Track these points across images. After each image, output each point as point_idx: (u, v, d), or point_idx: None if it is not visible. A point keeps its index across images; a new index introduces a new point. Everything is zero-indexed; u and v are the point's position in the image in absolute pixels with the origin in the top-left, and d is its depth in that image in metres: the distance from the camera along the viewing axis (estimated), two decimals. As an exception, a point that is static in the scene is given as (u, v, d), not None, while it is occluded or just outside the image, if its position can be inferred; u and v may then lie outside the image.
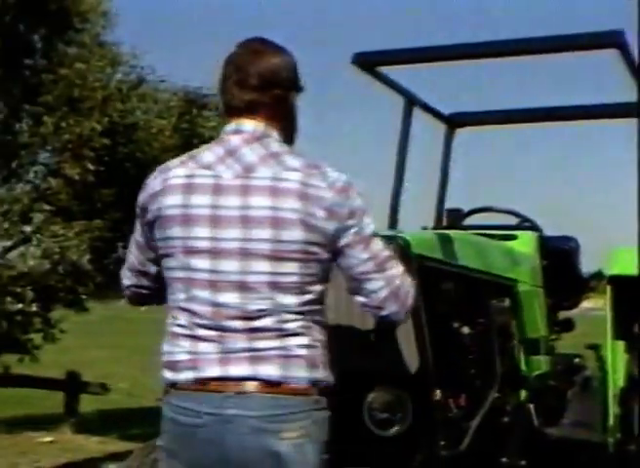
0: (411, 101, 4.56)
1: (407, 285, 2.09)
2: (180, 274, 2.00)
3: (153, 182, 2.06)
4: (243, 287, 1.95)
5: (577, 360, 4.58)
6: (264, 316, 1.95)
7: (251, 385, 1.94)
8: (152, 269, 2.14)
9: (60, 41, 8.54)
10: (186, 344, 1.98)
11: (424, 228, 4.29)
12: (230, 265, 1.95)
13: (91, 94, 8.40)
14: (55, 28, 8.29)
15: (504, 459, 3.37)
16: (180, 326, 2.00)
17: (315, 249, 1.97)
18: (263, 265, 1.94)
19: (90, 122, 8.26)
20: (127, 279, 2.22)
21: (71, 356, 6.54)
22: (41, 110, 8.33)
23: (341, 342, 2.92)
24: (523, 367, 3.72)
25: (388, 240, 2.81)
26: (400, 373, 2.81)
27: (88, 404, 9.37)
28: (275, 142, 2.04)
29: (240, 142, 2.02)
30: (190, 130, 9.55)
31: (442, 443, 2.92)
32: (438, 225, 4.88)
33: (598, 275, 4.67)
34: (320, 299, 2.04)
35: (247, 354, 1.95)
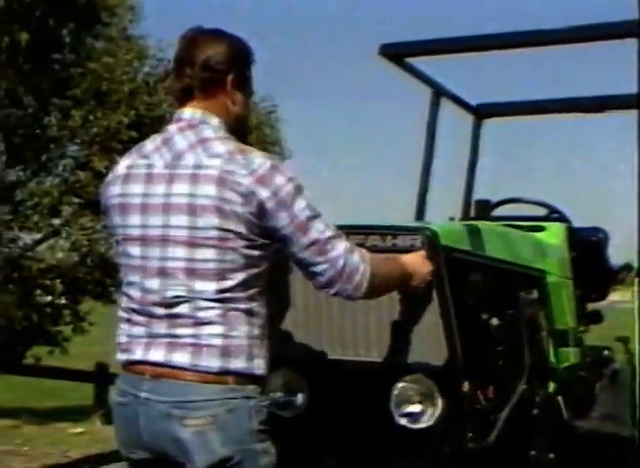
0: (438, 92, 4.54)
1: (353, 262, 2.07)
2: (122, 260, 2.11)
3: (107, 177, 2.18)
4: (162, 273, 2.01)
5: (605, 352, 4.55)
6: (181, 302, 1.99)
7: (164, 371, 2.00)
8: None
9: (88, 35, 8.60)
10: (125, 327, 2.10)
11: (452, 219, 4.27)
12: (154, 251, 2.02)
13: (118, 87, 8.46)
14: (83, 23, 8.36)
15: (533, 452, 3.35)
16: (122, 309, 2.12)
17: (232, 235, 1.97)
18: (181, 251, 1.99)
19: (117, 115, 8.32)
20: None
21: (100, 348, 6.58)
22: (69, 104, 8.40)
23: (369, 334, 2.93)
24: (551, 358, 3.70)
25: (416, 231, 2.81)
26: (428, 365, 2.80)
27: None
28: (209, 129, 2.07)
29: (175, 130, 2.08)
30: (217, 122, 9.58)
31: (470, 435, 2.91)
32: (466, 216, 4.86)
33: (627, 267, 4.62)
34: (244, 287, 2.02)
35: (166, 340, 2.01)
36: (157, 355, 2.02)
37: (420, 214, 4.56)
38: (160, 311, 2.02)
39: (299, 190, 2.04)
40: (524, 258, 3.51)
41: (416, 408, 2.82)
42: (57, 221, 9.08)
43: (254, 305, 2.06)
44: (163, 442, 2.01)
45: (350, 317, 2.99)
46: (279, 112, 10.26)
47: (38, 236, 9.35)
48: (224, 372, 1.99)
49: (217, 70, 2.09)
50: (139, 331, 2.06)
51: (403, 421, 2.84)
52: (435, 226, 2.85)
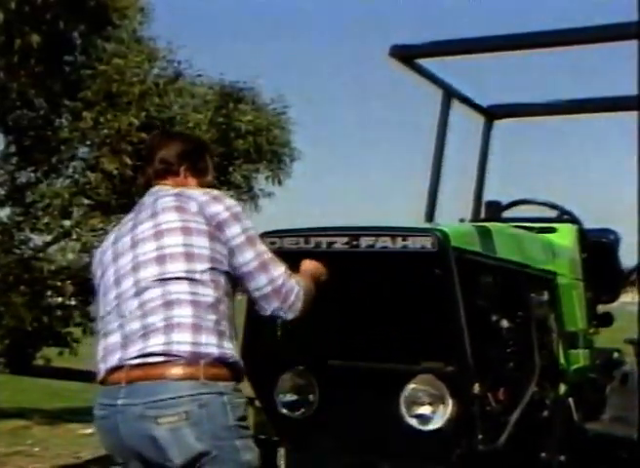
0: (449, 93, 4.53)
1: (290, 284, 2.33)
2: (100, 304, 2.38)
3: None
4: (134, 269, 2.25)
5: (616, 354, 4.53)
6: (154, 294, 2.19)
7: (138, 373, 2.12)
8: None
9: (98, 37, 8.61)
10: (101, 344, 2.27)
11: (462, 221, 4.26)
12: (126, 267, 2.30)
13: (128, 89, 8.47)
14: (94, 25, 8.37)
15: (543, 454, 3.35)
16: (100, 333, 2.31)
17: (193, 225, 2.26)
18: (149, 247, 2.26)
19: (128, 117, 8.33)
20: None
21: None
22: (80, 106, 8.41)
23: (380, 336, 2.93)
24: (562, 361, 3.68)
25: (426, 232, 2.81)
26: (439, 367, 2.80)
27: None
28: (166, 189, 2.44)
29: (154, 198, 2.42)
30: (227, 124, 9.59)
31: (480, 437, 2.91)
32: (476, 218, 4.85)
33: (638, 269, 4.60)
34: (210, 276, 2.24)
35: (140, 332, 2.15)
36: (133, 349, 2.15)
37: (431, 215, 4.56)
38: (133, 304, 2.21)
39: (243, 211, 2.43)
40: (535, 260, 3.50)
41: (426, 409, 2.82)
42: (67, 223, 9.10)
43: (219, 294, 2.24)
44: (142, 444, 2.09)
45: (361, 319, 2.99)
46: (289, 113, 10.26)
47: (49, 237, 9.37)
48: (196, 355, 2.09)
49: (169, 163, 2.50)
50: (113, 339, 2.22)
51: (413, 422, 2.84)
52: (446, 228, 2.85)
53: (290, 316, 2.35)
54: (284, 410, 3.12)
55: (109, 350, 2.21)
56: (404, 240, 2.79)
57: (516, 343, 3.13)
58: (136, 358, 2.14)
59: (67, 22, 7.95)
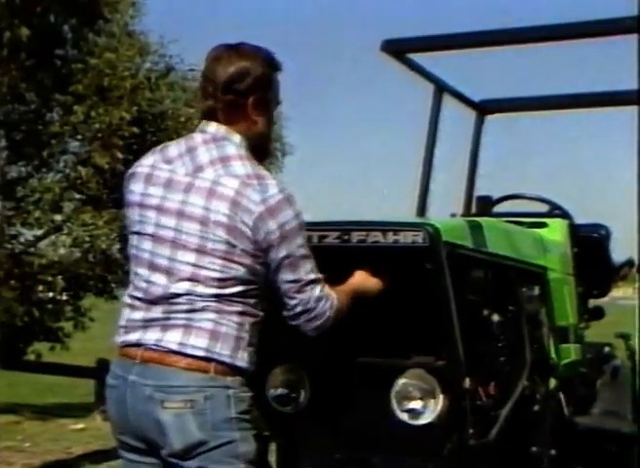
0: (440, 88, 4.54)
1: (320, 307, 2.27)
2: (133, 252, 2.27)
3: (130, 169, 2.32)
4: (169, 272, 2.17)
5: (606, 349, 4.54)
6: (180, 298, 2.15)
7: (153, 355, 2.14)
8: None
9: (89, 31, 8.59)
10: (127, 312, 2.25)
11: (453, 215, 4.27)
12: (164, 250, 2.18)
13: (120, 83, 8.46)
14: (84, 19, 8.35)
15: (534, 448, 3.35)
16: (128, 295, 2.27)
17: (238, 252, 2.14)
18: (189, 256, 2.15)
19: (119, 111, 8.31)
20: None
21: (101, 344, 6.56)
22: (71, 100, 8.39)
23: (371, 331, 2.93)
24: (553, 355, 3.69)
25: (418, 227, 2.81)
26: (429, 362, 2.80)
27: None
28: (232, 146, 2.22)
29: (200, 142, 2.23)
30: (218, 118, 9.57)
31: (471, 431, 2.91)
32: (467, 213, 4.86)
33: (629, 263, 4.62)
34: (241, 295, 2.18)
35: (160, 323, 2.16)
36: (152, 336, 2.16)
37: (422, 210, 4.56)
38: (161, 301, 2.17)
39: (301, 227, 2.22)
40: (525, 255, 3.51)
41: (417, 404, 2.82)
42: (58, 217, 9.08)
43: (248, 308, 2.21)
44: (146, 423, 2.13)
45: (352, 313, 2.99)
46: (281, 108, 10.25)
47: (40, 232, 9.34)
48: (208, 358, 2.12)
49: (238, 93, 2.20)
50: (137, 315, 2.21)
51: (404, 417, 2.84)
52: (437, 222, 2.85)
53: (313, 333, 2.34)
54: (275, 405, 3.11)
55: (131, 326, 2.22)
56: (395, 234, 2.78)
57: (507, 338, 3.13)
58: (153, 344, 2.16)
59: (58, 16, 7.93)
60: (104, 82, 8.39)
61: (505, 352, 3.14)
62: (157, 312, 2.17)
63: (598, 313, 4.51)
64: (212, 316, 2.14)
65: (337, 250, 2.90)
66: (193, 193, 2.16)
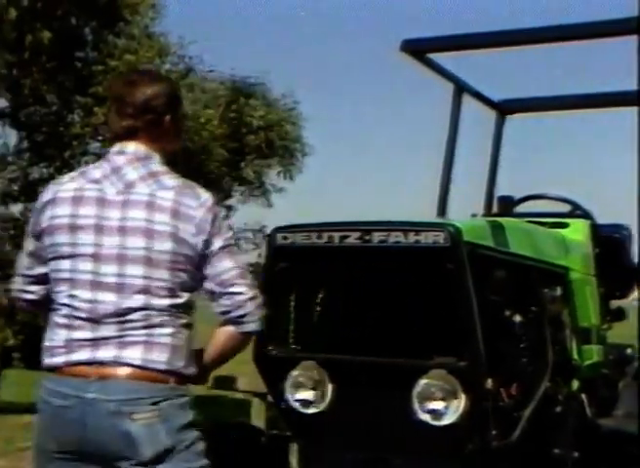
0: (460, 88, 4.53)
1: (260, 295, 2.33)
2: (66, 275, 2.26)
3: (45, 194, 2.34)
4: (120, 287, 2.21)
5: (628, 350, 4.51)
6: (135, 313, 2.20)
7: (112, 370, 2.18)
8: (36, 272, 2.37)
9: (109, 33, 8.63)
10: (64, 333, 2.25)
11: (474, 216, 4.26)
12: (110, 268, 2.22)
13: (140, 84, 8.49)
14: (105, 21, 8.38)
15: (556, 450, 3.34)
16: (62, 316, 2.26)
17: (183, 259, 2.23)
18: (138, 269, 2.21)
19: (139, 112, 8.34)
20: (16, 282, 2.45)
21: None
22: (92, 101, 8.43)
23: (392, 331, 2.93)
24: (575, 356, 3.67)
25: (439, 227, 2.81)
26: (451, 362, 2.80)
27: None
28: (156, 163, 2.32)
29: (124, 162, 2.30)
30: (238, 119, 9.60)
31: (493, 432, 2.90)
32: (488, 213, 4.85)
33: None
34: (188, 303, 2.29)
35: (115, 341, 2.20)
36: (107, 354, 2.20)
37: (442, 210, 4.56)
38: (112, 319, 2.21)
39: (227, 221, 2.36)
40: (547, 255, 3.49)
41: (439, 404, 2.81)
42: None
43: (189, 319, 2.31)
44: (109, 438, 2.17)
45: (373, 314, 2.99)
46: (300, 109, 10.25)
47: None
48: (169, 371, 2.22)
49: (156, 112, 2.32)
50: (80, 335, 2.22)
51: (426, 418, 2.84)
52: (458, 222, 2.84)
53: (255, 327, 2.35)
54: (296, 406, 3.12)
55: (74, 346, 2.23)
56: (416, 235, 2.78)
57: (529, 338, 3.12)
58: (112, 361, 2.20)
59: (79, 19, 7.97)
60: (125, 83, 8.43)
61: (527, 353, 3.12)
62: (109, 330, 2.20)
63: (620, 314, 4.48)
64: (169, 331, 2.23)
65: (358, 250, 2.90)
66: (132, 208, 2.23)
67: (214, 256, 2.26)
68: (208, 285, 2.28)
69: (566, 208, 4.47)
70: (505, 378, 2.98)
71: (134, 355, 2.19)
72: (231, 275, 2.27)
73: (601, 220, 4.43)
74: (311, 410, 3.08)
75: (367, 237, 2.85)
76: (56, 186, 2.33)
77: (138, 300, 2.20)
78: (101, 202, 2.25)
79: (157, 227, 2.21)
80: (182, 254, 2.22)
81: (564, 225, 4.06)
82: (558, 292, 3.55)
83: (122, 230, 2.22)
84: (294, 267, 3.08)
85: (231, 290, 2.27)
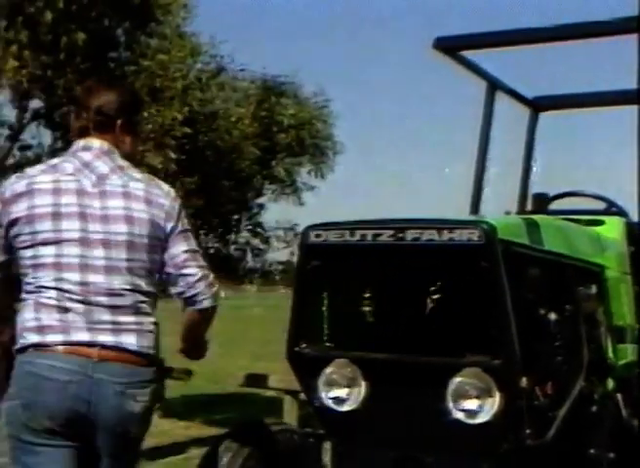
0: (494, 85, 4.50)
1: (211, 275, 2.57)
2: (51, 260, 2.42)
3: (15, 186, 2.49)
4: (107, 269, 2.42)
5: (665, 349, 4.45)
6: (125, 294, 2.43)
7: (114, 354, 2.40)
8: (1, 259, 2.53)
9: (142, 34, 8.68)
10: (55, 314, 2.39)
11: (508, 213, 4.23)
12: (97, 252, 2.43)
13: (172, 84, 8.52)
14: (138, 22, 8.43)
15: (592, 451, 3.30)
16: (48, 299, 2.40)
17: (157, 242, 2.50)
18: (122, 253, 2.44)
19: (171, 111, 8.37)
20: None
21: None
22: (124, 101, 8.50)
23: (426, 329, 2.92)
24: (610, 355, 3.64)
25: (473, 225, 2.79)
26: (486, 360, 2.78)
27: (173, 389, 9.54)
28: (119, 157, 2.56)
29: (92, 156, 2.52)
30: (269, 117, 9.60)
31: (528, 431, 2.88)
32: (522, 210, 4.81)
33: None
34: (156, 282, 2.55)
35: (109, 326, 2.41)
36: (106, 338, 2.39)
37: (476, 207, 4.53)
38: (104, 301, 2.41)
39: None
40: (582, 253, 3.46)
41: (473, 403, 2.80)
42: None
43: (155, 301, 2.56)
44: (113, 416, 2.39)
45: (407, 312, 2.99)
46: (332, 107, 10.24)
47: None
48: (152, 356, 2.48)
49: (108, 116, 2.55)
50: (77, 317, 2.39)
51: (460, 416, 2.82)
52: (493, 220, 2.82)
53: (208, 303, 2.57)
54: (329, 404, 3.12)
55: (73, 326, 2.38)
56: (450, 232, 2.77)
57: (564, 337, 3.09)
58: (112, 346, 2.40)
59: (112, 20, 8.03)
60: (157, 83, 8.47)
61: (562, 351, 3.10)
62: (103, 314, 2.40)
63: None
64: (151, 319, 2.50)
65: (391, 248, 2.89)
66: (110, 198, 2.46)
67: (171, 241, 2.52)
68: (165, 268, 2.52)
69: (601, 205, 4.43)
70: (540, 377, 2.96)
71: (130, 341, 2.41)
72: (183, 257, 2.52)
73: (636, 218, 4.37)
74: (344, 408, 3.08)
75: (400, 235, 2.85)
76: (25, 180, 2.49)
77: (124, 280, 2.42)
78: (81, 192, 2.45)
79: (136, 214, 2.46)
80: (157, 238, 2.48)
81: (599, 223, 4.02)
82: (593, 290, 3.52)
83: (105, 218, 2.44)
84: (326, 265, 3.08)
85: (183, 271, 2.51)
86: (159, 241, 2.49)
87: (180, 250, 2.51)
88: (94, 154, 2.52)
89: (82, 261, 2.41)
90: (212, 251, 9.91)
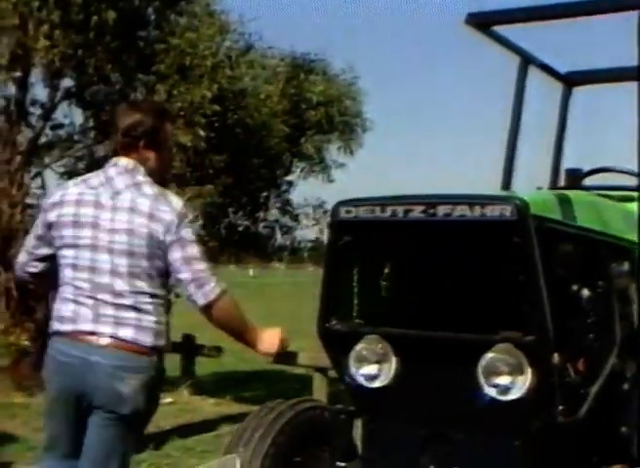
0: (526, 60, 4.45)
1: (206, 277, 2.83)
2: (70, 261, 2.87)
3: (55, 195, 2.96)
4: (112, 272, 2.81)
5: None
6: (126, 295, 2.79)
7: (109, 342, 2.78)
8: (40, 252, 2.98)
9: (171, 12, 8.68)
10: (72, 307, 2.85)
11: (539, 189, 4.19)
12: (103, 257, 2.82)
13: (201, 62, 8.52)
14: (167, 0, 8.44)
15: (623, 428, 3.28)
16: (68, 293, 2.86)
17: (158, 251, 2.81)
18: (123, 259, 2.81)
19: (200, 89, 8.38)
20: (21, 257, 3.04)
21: (186, 319, 6.68)
22: (154, 79, 8.51)
23: (458, 305, 2.91)
24: (642, 333, 3.60)
25: (506, 200, 2.77)
26: (518, 336, 2.77)
27: (204, 366, 9.62)
28: (140, 174, 2.90)
29: (115, 173, 2.91)
30: (298, 95, 9.58)
31: (560, 408, 2.87)
32: (554, 186, 4.77)
33: None
34: (164, 286, 2.90)
35: (111, 320, 2.79)
36: (106, 329, 2.79)
37: (507, 183, 4.49)
38: (108, 299, 2.80)
39: (188, 218, 2.92)
40: (615, 229, 3.42)
41: (504, 379, 2.79)
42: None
43: (164, 301, 2.91)
44: (104, 394, 2.78)
45: (438, 288, 2.98)
46: (360, 84, 10.18)
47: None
48: (153, 348, 2.82)
49: (132, 137, 2.91)
50: (85, 311, 2.82)
51: (491, 392, 2.82)
52: (525, 196, 2.80)
53: (201, 302, 2.83)
54: (360, 380, 3.12)
55: (79, 318, 2.82)
56: (482, 208, 2.75)
57: (596, 314, 3.07)
58: (110, 336, 2.78)
59: (142, -1, 8.03)
60: (186, 61, 8.48)
61: (595, 328, 3.07)
62: (107, 309, 2.80)
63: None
64: (153, 318, 2.83)
65: (422, 224, 2.88)
66: (118, 212, 2.83)
67: (168, 250, 2.80)
68: (174, 275, 2.84)
69: (635, 181, 4.36)
70: (572, 354, 2.94)
71: (127, 333, 2.77)
72: (177, 264, 2.81)
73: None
74: (375, 385, 3.08)
75: (431, 211, 2.83)
76: (61, 191, 2.95)
77: (126, 283, 2.79)
78: (97, 205, 2.85)
79: (137, 228, 2.80)
80: (156, 247, 2.80)
81: (632, 199, 3.97)
82: (626, 267, 3.48)
83: (112, 229, 2.82)
84: (357, 241, 3.08)
85: (177, 276, 2.82)
86: (159, 250, 2.81)
87: (174, 257, 2.81)
88: (117, 171, 2.90)
89: (92, 264, 2.83)
90: (241, 228, 9.96)
